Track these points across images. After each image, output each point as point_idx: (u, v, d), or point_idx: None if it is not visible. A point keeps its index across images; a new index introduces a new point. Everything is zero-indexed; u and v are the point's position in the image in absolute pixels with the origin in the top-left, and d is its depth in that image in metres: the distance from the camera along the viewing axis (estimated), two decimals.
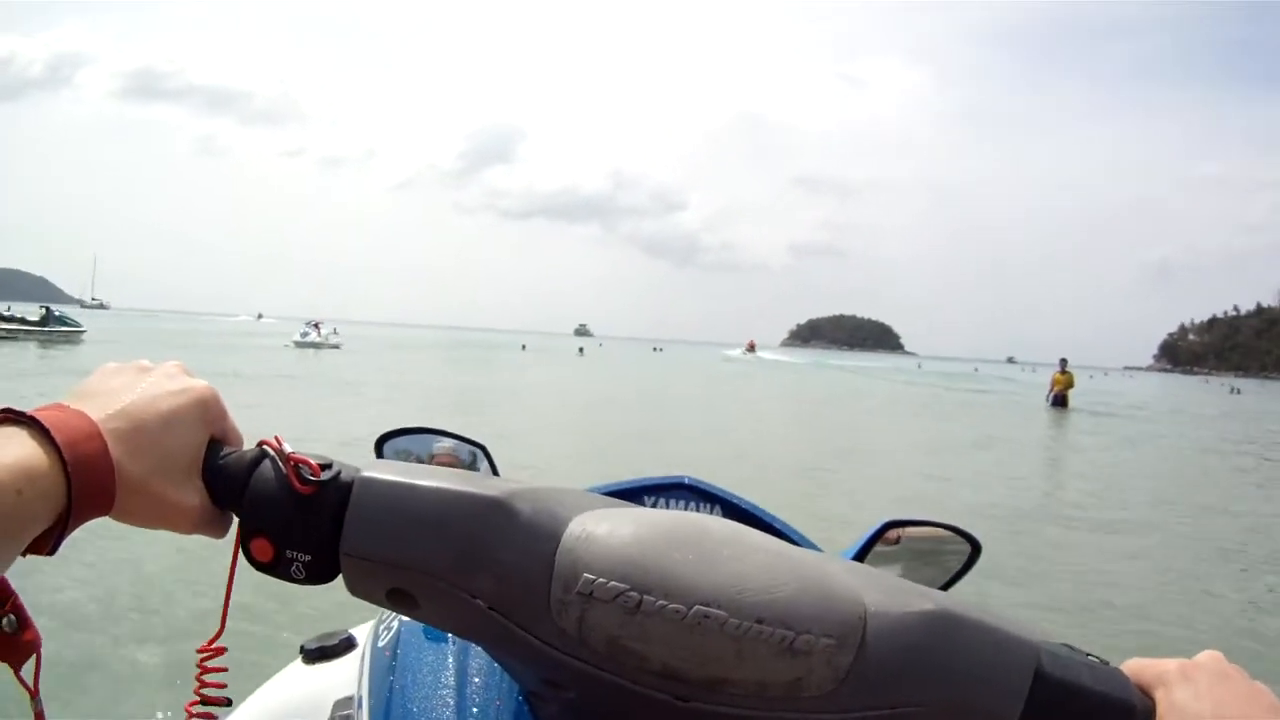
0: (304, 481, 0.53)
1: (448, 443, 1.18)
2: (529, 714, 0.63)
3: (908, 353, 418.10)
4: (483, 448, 1.18)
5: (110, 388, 0.53)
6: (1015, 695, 0.50)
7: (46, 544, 0.47)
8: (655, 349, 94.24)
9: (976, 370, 79.02)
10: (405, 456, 1.13)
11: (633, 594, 0.49)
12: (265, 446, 0.55)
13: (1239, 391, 63.04)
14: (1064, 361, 24.21)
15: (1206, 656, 0.54)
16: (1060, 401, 23.50)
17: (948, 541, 1.12)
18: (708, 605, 0.48)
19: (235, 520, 0.55)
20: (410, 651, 0.76)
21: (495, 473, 1.13)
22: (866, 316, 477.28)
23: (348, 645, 1.20)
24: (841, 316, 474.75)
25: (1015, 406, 25.34)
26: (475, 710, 0.68)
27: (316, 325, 41.28)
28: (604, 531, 0.51)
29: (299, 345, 36.23)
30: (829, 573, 0.52)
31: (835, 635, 0.49)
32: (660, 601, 0.48)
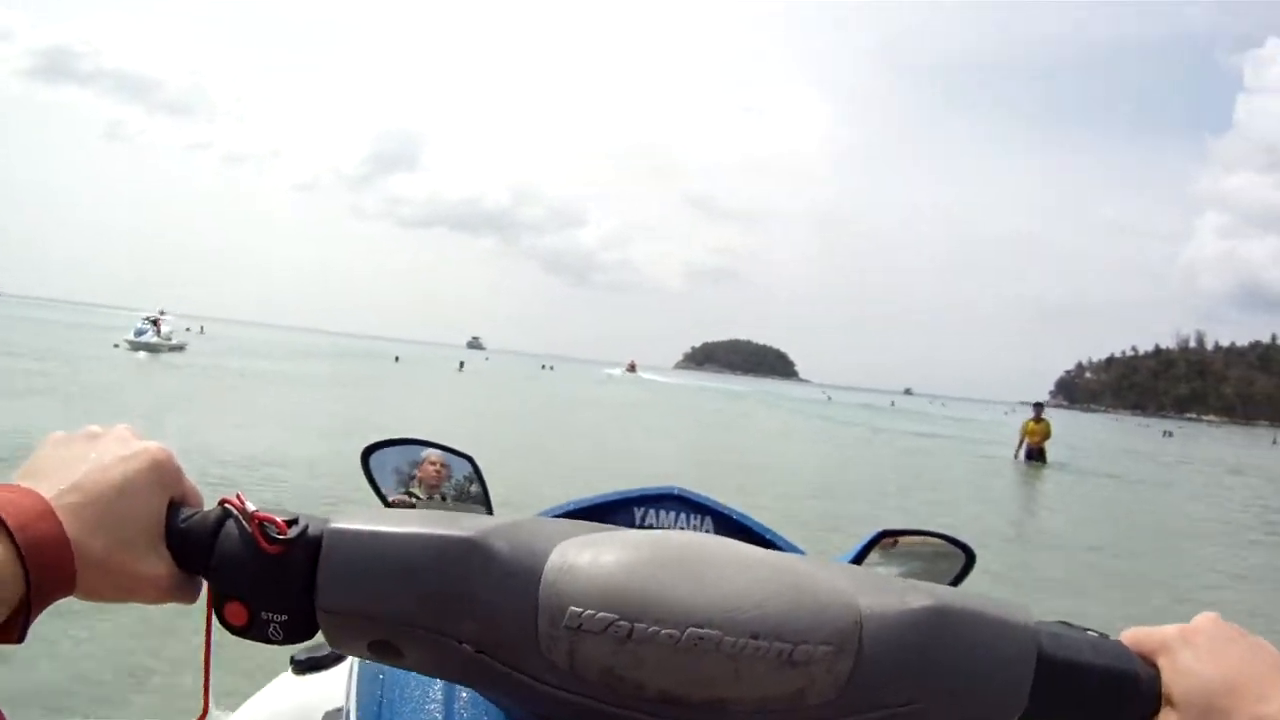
0: (271, 541, 0.51)
1: (434, 453, 1.16)
2: None
3: (802, 380, 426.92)
4: (470, 459, 1.17)
5: (60, 461, 0.51)
6: (1020, 681, 0.50)
7: (13, 632, 0.45)
8: (544, 366, 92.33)
9: (893, 404, 79.11)
10: (392, 469, 1.13)
11: (623, 623, 0.47)
12: (227, 505, 0.54)
13: (1170, 434, 63.19)
14: (1040, 407, 20.00)
15: (1204, 619, 0.54)
16: (1035, 454, 19.09)
17: (942, 551, 1.11)
18: (701, 627, 0.47)
19: (205, 584, 0.54)
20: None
21: (483, 485, 1.15)
22: (762, 342, 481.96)
23: (338, 656, 1.18)
24: (736, 341, 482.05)
25: (975, 459, 20.23)
26: None
27: (156, 321, 33.61)
28: (586, 561, 0.50)
29: (132, 346, 30.38)
30: (820, 579, 0.51)
31: (833, 642, 0.48)
32: (652, 628, 0.47)
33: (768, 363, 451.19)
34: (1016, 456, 19.52)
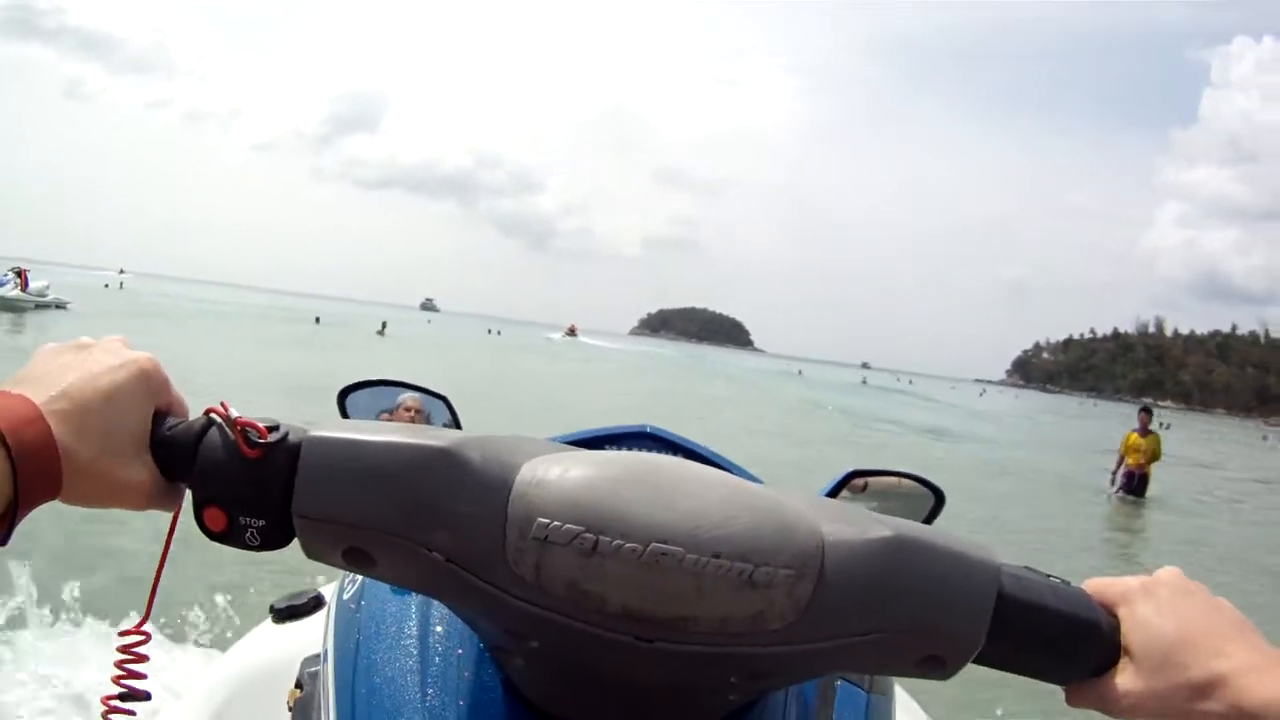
0: (251, 445, 0.52)
1: (410, 394, 1.19)
2: (491, 664, 0.64)
3: (757, 350, 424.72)
4: (445, 399, 1.18)
5: (50, 369, 0.52)
6: (979, 617, 0.51)
7: None
8: (490, 330, 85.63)
9: (864, 382, 75.44)
10: (368, 410, 1.14)
11: (588, 535, 0.48)
12: (212, 414, 0.55)
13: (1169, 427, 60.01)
14: (1148, 413, 13.20)
15: (1167, 573, 0.55)
16: (1135, 485, 12.31)
17: (912, 492, 1.13)
18: (664, 542, 0.48)
19: (187, 492, 0.55)
20: (374, 604, 0.76)
21: (458, 425, 1.14)
22: (718, 311, 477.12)
23: (316, 604, 1.26)
24: (692, 309, 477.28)
25: (1042, 487, 13.25)
26: (438, 661, 0.67)
27: (21, 273, 26.25)
28: (556, 475, 0.51)
29: None
30: (785, 505, 0.52)
31: (794, 566, 0.49)
32: (617, 541, 0.48)
33: (723, 331, 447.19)
34: (1113, 486, 12.56)
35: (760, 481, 0.67)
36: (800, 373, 76.49)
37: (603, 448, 0.96)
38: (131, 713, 0.55)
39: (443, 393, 1.17)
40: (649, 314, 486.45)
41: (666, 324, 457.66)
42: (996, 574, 0.52)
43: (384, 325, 41.14)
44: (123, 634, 0.56)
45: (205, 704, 1.16)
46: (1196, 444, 37.40)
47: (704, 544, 0.48)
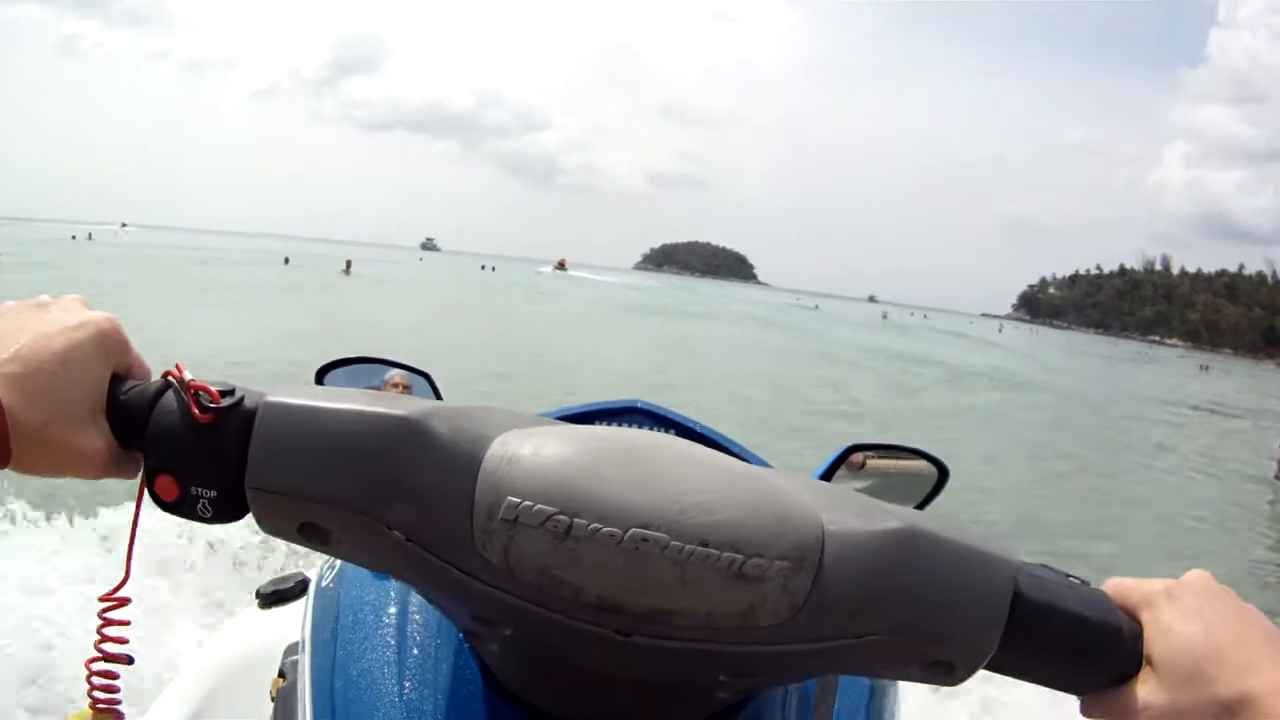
0: (203, 410, 0.48)
1: (394, 372, 1.14)
2: (469, 653, 0.61)
3: (761, 283, 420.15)
4: (427, 376, 1.14)
5: (4, 331, 0.49)
6: (993, 619, 0.46)
7: None
8: (484, 267, 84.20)
9: (885, 317, 75.37)
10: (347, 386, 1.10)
11: (562, 517, 0.44)
12: (169, 376, 0.51)
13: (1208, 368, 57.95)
14: None
15: (1194, 576, 0.51)
16: None
17: (914, 467, 1.09)
18: (646, 528, 0.44)
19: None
20: (352, 590, 0.73)
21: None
22: (722, 245, 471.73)
23: (302, 588, 1.23)
24: (695, 243, 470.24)
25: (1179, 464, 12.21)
26: (416, 650, 0.65)
27: None
28: (529, 451, 0.47)
29: None
30: (782, 490, 0.48)
31: (790, 558, 0.45)
32: (593, 525, 0.44)
33: (727, 265, 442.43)
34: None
35: (765, 463, 0.61)
36: (817, 307, 74.57)
37: (591, 423, 0.84)
38: (115, 675, 0.54)
39: (424, 369, 1.13)
40: (652, 249, 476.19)
41: (670, 258, 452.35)
42: (1013, 573, 0.47)
43: (348, 264, 39.24)
44: (103, 599, 0.53)
45: (190, 692, 1.11)
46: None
47: (690, 530, 0.44)
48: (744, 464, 0.50)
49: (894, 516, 0.47)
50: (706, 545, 0.44)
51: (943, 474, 1.05)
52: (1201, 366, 65.82)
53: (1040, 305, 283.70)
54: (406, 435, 0.46)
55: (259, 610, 1.24)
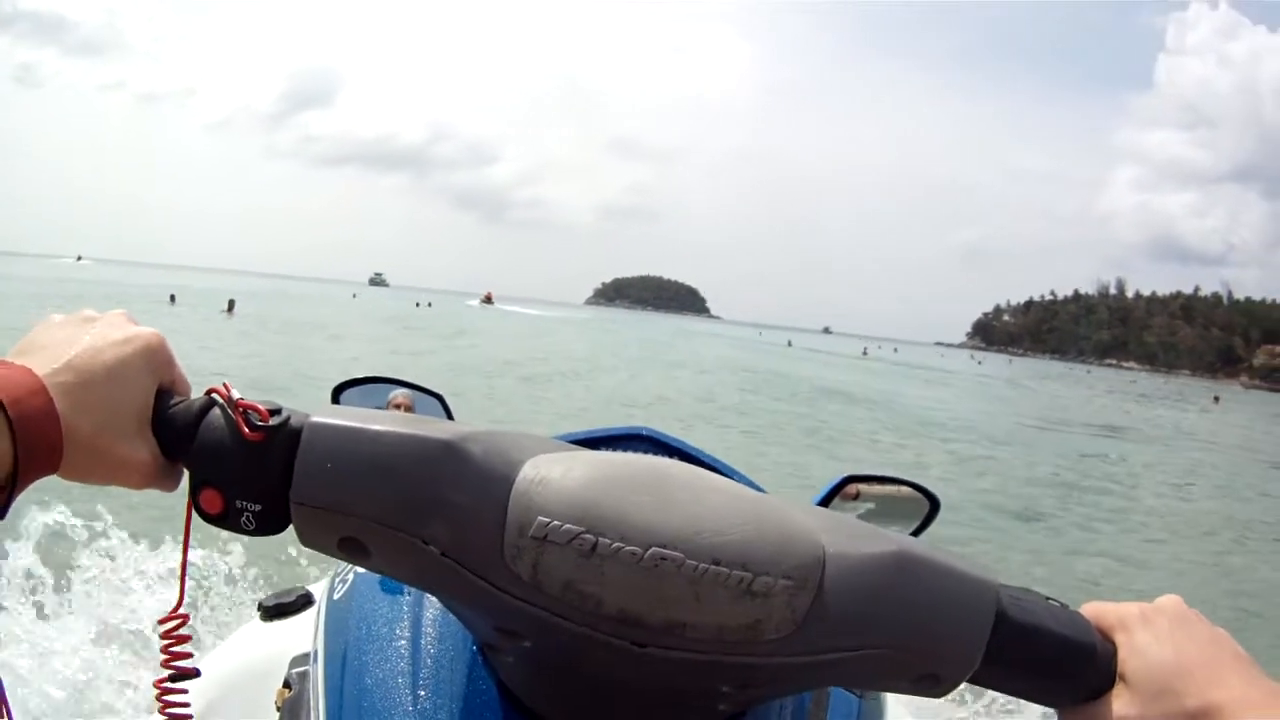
0: (252, 428, 0.51)
1: (404, 392, 1.19)
2: (483, 665, 0.63)
3: (713, 316, 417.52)
4: (440, 397, 1.19)
5: (54, 341, 0.51)
6: (977, 636, 0.50)
7: None
8: (418, 304, 77.33)
9: (865, 353, 73.31)
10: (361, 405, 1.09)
11: (588, 536, 0.47)
12: (214, 394, 0.54)
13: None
14: None
15: (1167, 600, 0.54)
16: None
17: (908, 497, 1.13)
18: (664, 547, 0.47)
19: (186, 472, 0.54)
20: (365, 604, 0.76)
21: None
22: (673, 279, 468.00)
23: (305, 601, 1.25)
24: (647, 277, 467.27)
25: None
26: (430, 662, 0.67)
27: None
28: (558, 474, 0.50)
29: None
30: (786, 514, 0.51)
31: (793, 577, 0.48)
32: (616, 544, 0.47)
33: (679, 299, 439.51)
34: None
35: (761, 489, 0.66)
36: (790, 344, 69.71)
37: (598, 449, 0.90)
38: (184, 690, 0.56)
39: (438, 390, 1.17)
40: (604, 283, 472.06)
41: (621, 292, 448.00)
42: (996, 594, 0.51)
43: (231, 304, 34.35)
44: (162, 620, 0.56)
45: (193, 703, 1.11)
46: None
47: (704, 550, 0.47)
48: (750, 489, 0.54)
49: (888, 540, 0.51)
50: (718, 563, 0.47)
51: (934, 504, 1.10)
52: (1214, 398, 62.72)
53: (995, 332, 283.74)
54: (446, 457, 0.49)
55: (261, 623, 1.24)
